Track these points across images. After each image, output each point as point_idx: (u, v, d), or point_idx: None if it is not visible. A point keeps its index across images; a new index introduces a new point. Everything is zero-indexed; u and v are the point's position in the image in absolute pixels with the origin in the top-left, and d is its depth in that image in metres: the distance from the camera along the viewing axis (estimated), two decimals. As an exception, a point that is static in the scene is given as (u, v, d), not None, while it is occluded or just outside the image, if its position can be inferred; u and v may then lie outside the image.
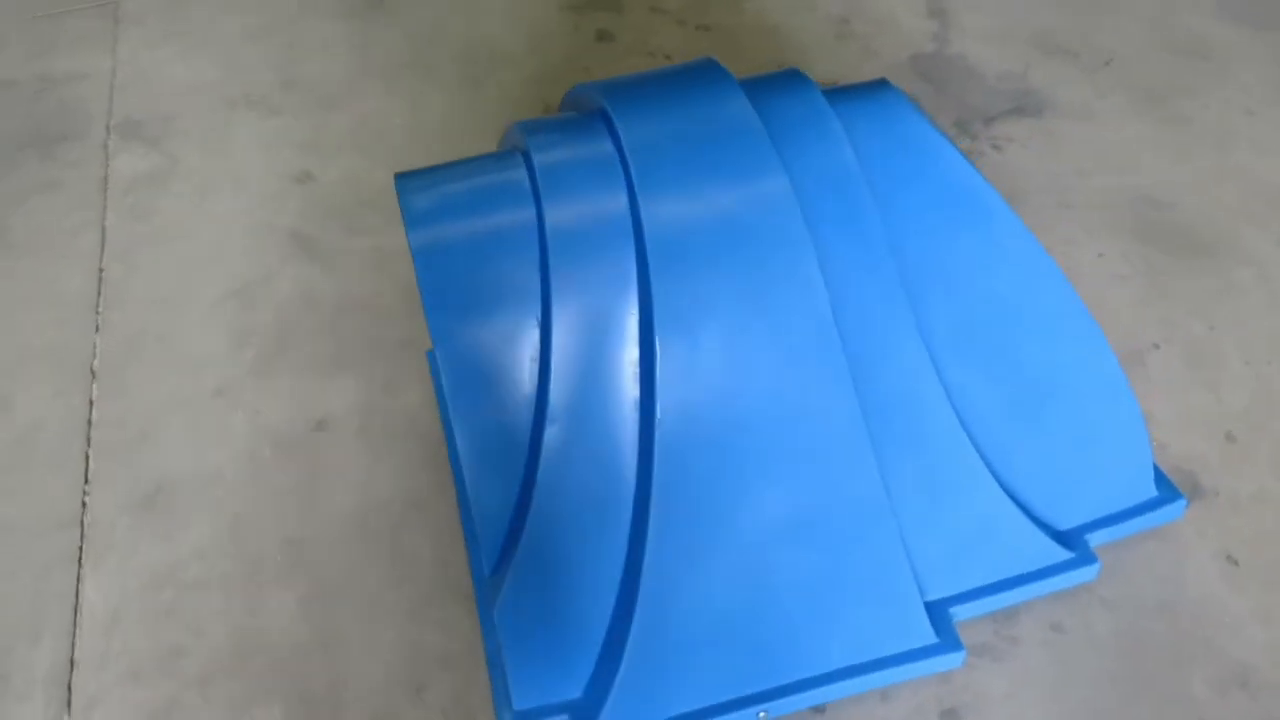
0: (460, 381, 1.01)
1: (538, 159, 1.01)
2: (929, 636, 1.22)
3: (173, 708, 1.29)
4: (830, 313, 1.00)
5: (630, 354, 0.99)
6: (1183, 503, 1.36)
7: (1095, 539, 1.33)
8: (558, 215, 0.99)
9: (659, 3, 2.47)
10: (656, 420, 0.98)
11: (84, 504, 1.52)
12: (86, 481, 1.55)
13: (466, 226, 1.01)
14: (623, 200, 0.98)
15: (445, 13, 2.44)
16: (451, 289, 1.00)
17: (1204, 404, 1.57)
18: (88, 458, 1.58)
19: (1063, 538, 1.30)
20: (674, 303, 0.98)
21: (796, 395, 1.02)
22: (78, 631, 1.37)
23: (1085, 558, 1.29)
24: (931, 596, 1.26)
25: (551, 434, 1.01)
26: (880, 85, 1.09)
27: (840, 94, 1.10)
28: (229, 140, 2.13)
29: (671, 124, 1.03)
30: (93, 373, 1.70)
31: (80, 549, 1.46)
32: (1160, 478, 1.37)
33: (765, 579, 1.10)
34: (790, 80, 1.09)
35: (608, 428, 1.00)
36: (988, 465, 1.17)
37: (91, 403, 1.66)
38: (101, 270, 1.87)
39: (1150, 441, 1.41)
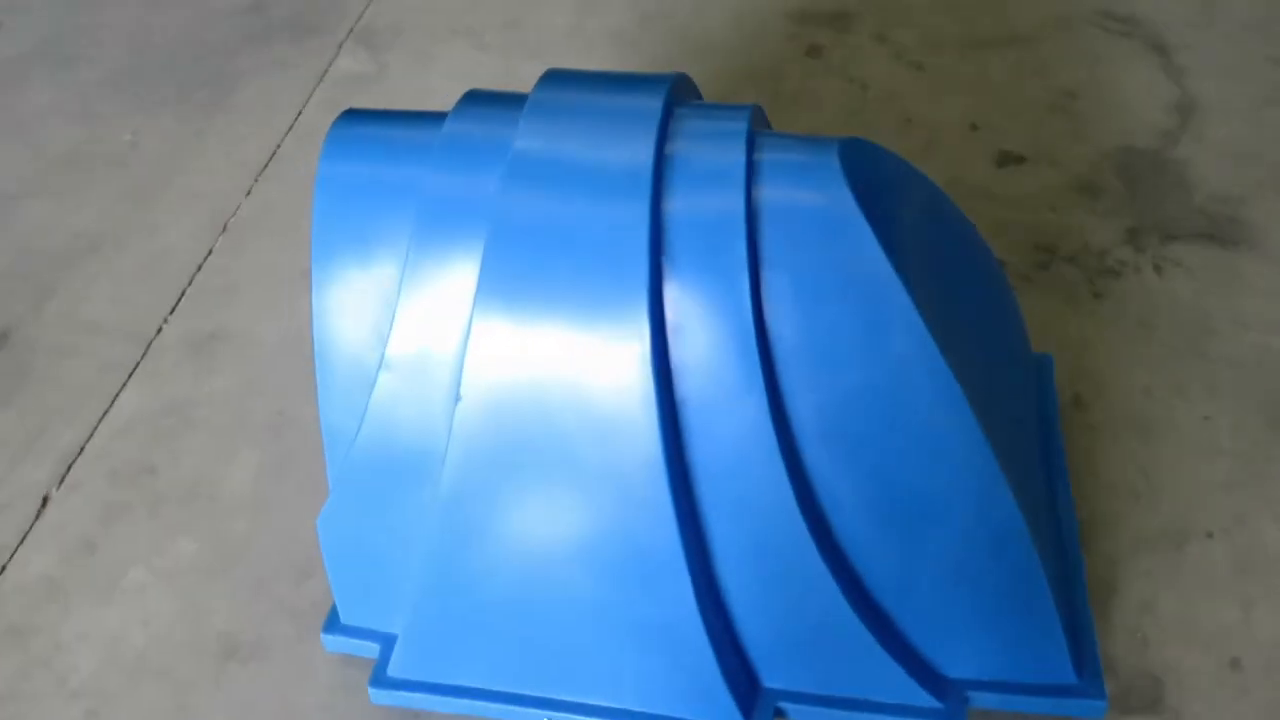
0: (325, 309, 1.09)
1: (447, 125, 1.06)
2: (734, 716, 1.16)
3: (123, 513, 1.49)
4: (649, 351, 0.97)
5: (457, 332, 1.02)
6: (1102, 705, 1.18)
7: (980, 700, 1.19)
8: (436, 181, 1.03)
9: (889, 32, 2.38)
10: (458, 399, 1.01)
11: (160, 330, 1.77)
12: (172, 312, 1.80)
13: (368, 170, 1.08)
14: (493, 184, 1.01)
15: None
16: (338, 221, 1.08)
17: (1226, 618, 1.33)
18: (184, 294, 1.83)
19: (937, 683, 1.18)
20: (497, 292, 1.00)
21: (603, 425, 1.00)
22: (97, 428, 1.61)
23: (954, 713, 1.16)
24: (766, 683, 1.19)
25: (384, 379, 1.06)
26: (832, 144, 1.03)
27: (781, 142, 1.05)
28: (431, 66, 2.33)
29: (575, 123, 1.03)
30: (225, 227, 1.95)
31: (137, 364, 1.71)
32: (1092, 668, 1.20)
33: (553, 589, 1.09)
34: (731, 115, 1.05)
35: (430, 391, 1.05)
36: (833, 566, 1.08)
37: (210, 250, 1.91)
38: (278, 147, 2.14)
39: (1093, 627, 1.24)
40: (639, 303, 0.97)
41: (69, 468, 1.56)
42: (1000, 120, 2.13)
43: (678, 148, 1.02)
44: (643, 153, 0.99)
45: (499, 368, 1.01)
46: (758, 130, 1.07)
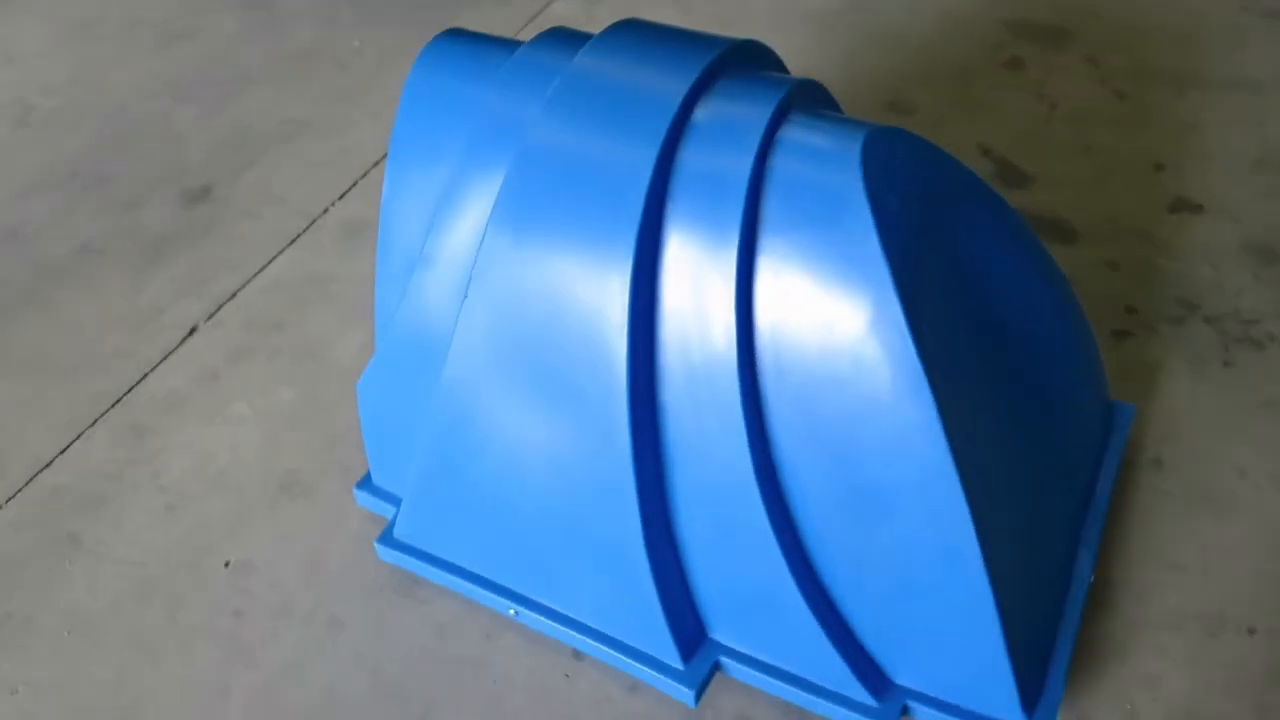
0: (391, 203, 1.23)
1: (517, 53, 1.16)
2: (672, 656, 1.21)
3: (246, 355, 1.72)
4: (629, 283, 1.03)
5: (478, 237, 1.13)
6: (1039, 752, 1.14)
7: (921, 714, 1.18)
8: (491, 102, 1.13)
9: (1103, 56, 2.26)
10: (465, 298, 1.12)
11: (325, 210, 2.00)
12: (340, 198, 2.03)
13: (444, 85, 1.20)
14: (534, 111, 1.10)
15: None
16: (413, 128, 1.21)
17: None
18: (354, 185, 2.05)
19: (878, 681, 1.18)
20: (510, 207, 1.08)
21: (581, 345, 1.07)
22: (250, 281, 1.86)
23: (886, 714, 1.17)
24: (713, 634, 1.24)
25: (420, 270, 1.19)
26: (862, 130, 1.04)
27: (814, 119, 1.06)
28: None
29: (621, 68, 1.09)
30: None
31: (298, 236, 1.95)
32: (1047, 716, 1.16)
33: (527, 490, 1.18)
34: (772, 84, 1.07)
35: (452, 287, 1.16)
36: (782, 537, 1.10)
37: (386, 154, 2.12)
38: (476, 72, 2.32)
39: (1063, 677, 1.19)
40: (628, 236, 1.03)
41: (219, 308, 1.81)
42: (1191, 165, 1.98)
43: (709, 106, 1.06)
44: (670, 103, 1.05)
45: (501, 276, 1.10)
46: (801, 105, 1.09)
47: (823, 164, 1.04)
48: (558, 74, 1.12)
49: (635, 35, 1.16)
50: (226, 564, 1.44)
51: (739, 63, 1.15)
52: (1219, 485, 1.46)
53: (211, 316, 1.80)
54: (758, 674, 1.21)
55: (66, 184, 2.10)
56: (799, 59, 2.29)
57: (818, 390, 1.06)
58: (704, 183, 1.05)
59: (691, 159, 1.06)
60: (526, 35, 2.42)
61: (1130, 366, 1.62)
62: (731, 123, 1.06)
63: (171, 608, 1.39)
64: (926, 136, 1.11)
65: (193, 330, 1.78)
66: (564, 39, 1.18)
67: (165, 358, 1.73)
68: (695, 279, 1.06)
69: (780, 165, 1.05)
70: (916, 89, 2.20)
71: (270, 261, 1.90)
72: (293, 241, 1.94)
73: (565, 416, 1.12)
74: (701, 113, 1.07)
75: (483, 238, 1.11)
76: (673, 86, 1.07)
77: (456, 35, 1.25)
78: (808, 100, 1.13)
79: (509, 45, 1.22)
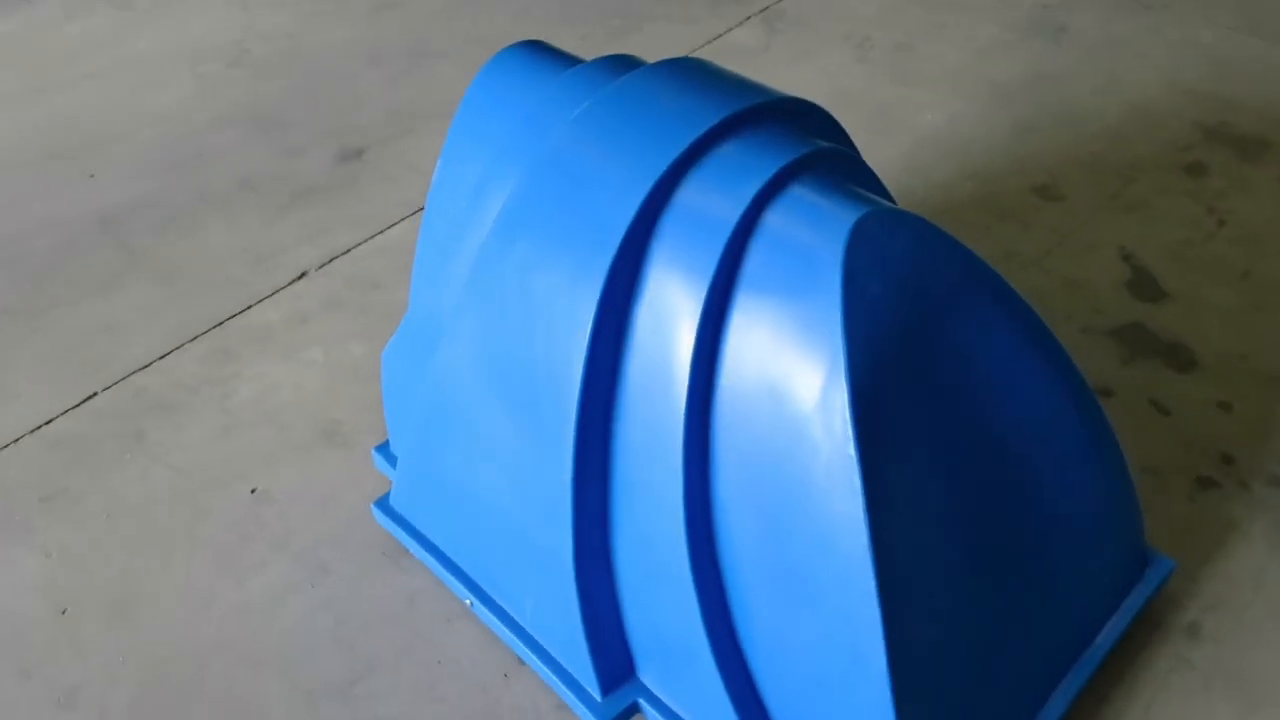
0: (433, 198, 1.29)
1: (566, 76, 1.19)
2: (592, 685, 1.21)
3: (337, 306, 1.85)
4: (590, 325, 1.04)
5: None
6: None
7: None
8: (531, 113, 1.17)
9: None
10: (452, 303, 1.18)
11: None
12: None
13: (498, 94, 1.24)
14: (557, 128, 1.13)
15: (1129, 58, 2.34)
16: (463, 131, 1.27)
17: None
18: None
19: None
20: (511, 217, 1.12)
21: (547, 358, 1.09)
22: (365, 242, 1.99)
23: (782, 804, 1.12)
24: (641, 675, 1.23)
25: (443, 260, 1.25)
26: (863, 208, 1.00)
27: (822, 184, 1.02)
28: (805, 62, 2.43)
29: (647, 103, 1.09)
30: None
31: (420, 208, 2.07)
32: None
33: (490, 489, 1.21)
34: (792, 143, 1.04)
35: (460, 280, 1.21)
36: (704, 591, 1.08)
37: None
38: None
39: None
40: (603, 264, 1.03)
41: (331, 260, 1.95)
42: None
43: (723, 151, 1.05)
44: (680, 142, 1.05)
45: (491, 279, 1.14)
46: (825, 172, 1.07)
47: (811, 230, 1.01)
48: (568, 97, 1.15)
49: (680, 72, 1.16)
50: (253, 491, 1.56)
51: (779, 120, 1.13)
52: (1256, 673, 1.30)
53: (322, 266, 1.95)
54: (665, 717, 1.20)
55: (250, 123, 2.32)
56: (963, 125, 2.22)
57: (763, 457, 1.03)
58: (691, 225, 1.04)
59: (687, 200, 1.05)
60: (701, 54, 2.46)
61: (1203, 520, 1.47)
62: (735, 171, 1.05)
63: (193, 518, 1.52)
64: (1065, 229, 1.05)
65: (302, 275, 1.93)
66: (622, 66, 1.20)
67: (271, 294, 1.89)
68: (665, 319, 1.05)
69: (772, 222, 1.03)
70: (1075, 175, 2.07)
71: (390, 227, 2.03)
72: (414, 212, 2.06)
73: (523, 426, 1.15)
74: (712, 158, 1.07)
75: (483, 240, 1.16)
76: (690, 127, 1.07)
77: (533, 46, 1.29)
78: (835, 169, 1.10)
79: (564, 62, 1.25)
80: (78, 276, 1.94)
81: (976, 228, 1.96)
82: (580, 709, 1.23)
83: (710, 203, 1.04)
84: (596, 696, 1.22)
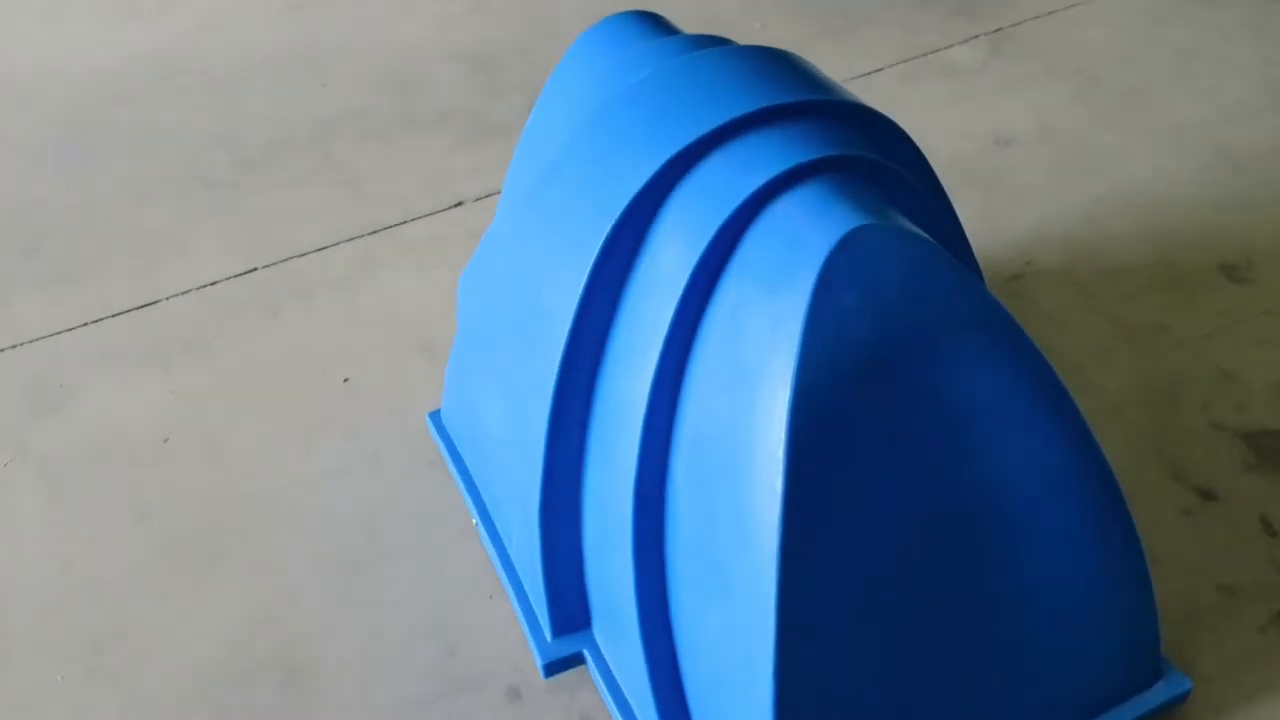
0: (514, 161, 1.37)
1: (636, 47, 1.23)
2: (545, 625, 1.27)
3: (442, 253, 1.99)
4: (585, 281, 1.08)
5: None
6: None
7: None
8: (594, 89, 1.22)
9: None
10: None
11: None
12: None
13: (582, 64, 1.29)
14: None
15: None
16: (547, 97, 1.33)
17: None
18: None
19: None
20: (531, 190, 1.21)
21: (538, 326, 1.14)
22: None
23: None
24: (594, 630, 1.27)
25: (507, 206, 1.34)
26: (856, 224, 0.97)
27: (840, 189, 0.99)
28: (1013, 93, 2.31)
29: (696, 78, 1.11)
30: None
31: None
32: None
33: (490, 417, 1.30)
34: (824, 142, 1.02)
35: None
36: (641, 568, 1.10)
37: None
38: (833, 84, 2.35)
39: None
40: (608, 221, 1.08)
41: (486, 196, 2.09)
42: None
43: (746, 140, 1.06)
44: (710, 122, 1.06)
45: (527, 223, 1.21)
46: (858, 178, 1.05)
47: (808, 228, 1.00)
48: (607, 77, 1.20)
49: (755, 59, 1.17)
50: (345, 380, 1.72)
51: (832, 121, 1.12)
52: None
53: (478, 200, 2.09)
54: (602, 684, 1.23)
55: (469, 62, 2.51)
56: (1168, 185, 2.08)
57: (713, 441, 1.04)
58: (699, 202, 1.06)
59: (703, 177, 1.07)
60: (900, 71, 2.39)
61: (1266, 657, 1.30)
62: (757, 158, 1.05)
63: (293, 392, 1.70)
64: (1237, 316, 1.00)
65: (458, 204, 2.08)
66: (710, 43, 1.23)
67: (425, 215, 2.05)
68: (655, 288, 1.08)
69: (776, 213, 1.02)
70: (1274, 265, 1.85)
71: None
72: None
73: (521, 364, 1.21)
74: (741, 141, 1.07)
75: (532, 183, 1.23)
76: (729, 109, 1.08)
77: (640, 15, 1.34)
78: (874, 179, 1.08)
79: (654, 35, 1.29)
80: (281, 167, 2.20)
81: (1134, 291, 1.80)
82: (532, 643, 1.29)
83: (722, 182, 1.05)
84: (547, 637, 1.28)
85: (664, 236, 1.08)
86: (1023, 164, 2.11)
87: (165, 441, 1.64)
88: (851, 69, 2.39)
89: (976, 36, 2.50)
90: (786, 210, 1.02)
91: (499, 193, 2.09)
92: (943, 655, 1.09)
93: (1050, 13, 2.57)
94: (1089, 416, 1.56)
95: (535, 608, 1.30)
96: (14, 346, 1.82)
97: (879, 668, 1.05)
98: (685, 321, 1.06)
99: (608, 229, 1.08)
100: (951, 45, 2.48)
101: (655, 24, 1.33)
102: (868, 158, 1.07)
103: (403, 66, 2.51)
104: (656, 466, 1.10)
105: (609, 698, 1.22)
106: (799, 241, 0.99)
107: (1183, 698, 1.20)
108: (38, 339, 1.83)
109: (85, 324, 1.85)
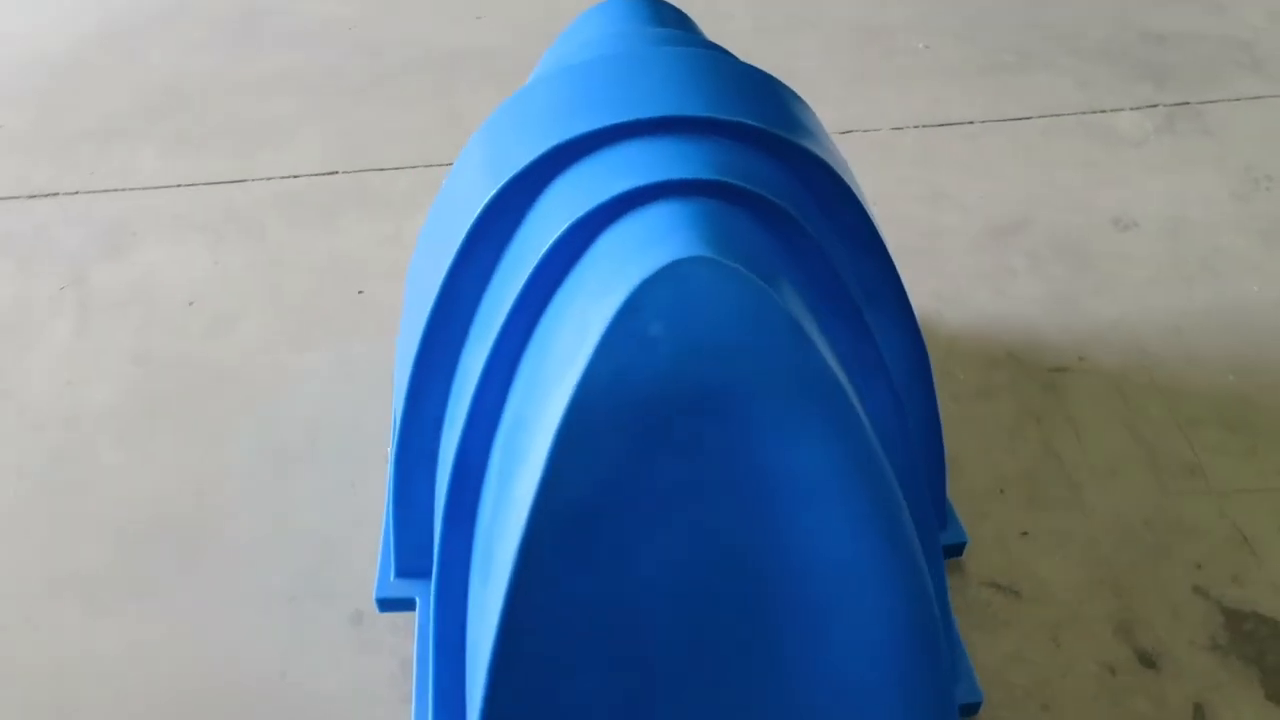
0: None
1: (621, 29, 1.20)
2: (390, 564, 1.31)
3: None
4: (460, 241, 1.08)
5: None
6: None
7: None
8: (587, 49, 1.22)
9: None
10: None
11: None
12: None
13: (579, 35, 1.28)
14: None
15: None
16: (552, 55, 1.33)
17: None
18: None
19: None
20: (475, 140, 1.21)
21: (416, 310, 1.20)
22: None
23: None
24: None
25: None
26: (720, 258, 0.91)
27: (706, 214, 0.93)
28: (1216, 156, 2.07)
29: (645, 69, 1.10)
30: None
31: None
32: None
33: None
34: (710, 164, 0.96)
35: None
36: (449, 546, 1.11)
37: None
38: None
39: None
40: (471, 217, 1.09)
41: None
42: None
43: (616, 148, 1.04)
44: (583, 125, 1.05)
45: (461, 174, 1.24)
46: (728, 200, 1.00)
47: (645, 247, 0.96)
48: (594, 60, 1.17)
49: (707, 69, 1.13)
50: (360, 292, 1.82)
51: (752, 151, 1.06)
52: None
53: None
54: (417, 635, 1.26)
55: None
56: None
57: (512, 433, 1.04)
58: (558, 203, 1.05)
59: (572, 178, 1.05)
60: (1064, 122, 2.20)
61: None
62: (630, 164, 1.02)
63: (316, 289, 1.82)
64: None
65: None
66: (680, 42, 1.19)
67: (504, 160, 2.11)
68: (509, 281, 1.07)
69: (629, 224, 0.99)
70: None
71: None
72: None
73: (408, 331, 1.25)
74: (625, 145, 1.04)
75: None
76: (627, 110, 1.05)
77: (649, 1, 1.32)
78: (759, 216, 1.02)
79: (647, 22, 1.26)
80: (402, 87, 2.32)
81: (1187, 421, 1.59)
82: (377, 577, 1.33)
83: (596, 181, 1.03)
84: (390, 576, 1.32)
85: (532, 223, 1.07)
86: (1133, 253, 1.90)
87: (190, 304, 1.80)
88: (994, 110, 2.22)
89: (1154, 106, 2.25)
90: (640, 223, 0.99)
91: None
92: (705, 714, 1.03)
93: (1257, 97, 2.28)
94: (1056, 536, 1.44)
95: (390, 545, 1.34)
96: (117, 190, 2.04)
97: (613, 708, 1.01)
98: (526, 311, 1.05)
99: (480, 207, 1.09)
100: (1121, 109, 2.25)
101: (658, 12, 1.30)
102: (754, 192, 1.01)
103: (553, 9, 2.56)
104: (481, 444, 1.10)
105: (415, 650, 1.25)
106: (630, 258, 0.96)
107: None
108: (137, 189, 2.04)
109: (177, 185, 2.05)
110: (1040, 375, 1.68)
